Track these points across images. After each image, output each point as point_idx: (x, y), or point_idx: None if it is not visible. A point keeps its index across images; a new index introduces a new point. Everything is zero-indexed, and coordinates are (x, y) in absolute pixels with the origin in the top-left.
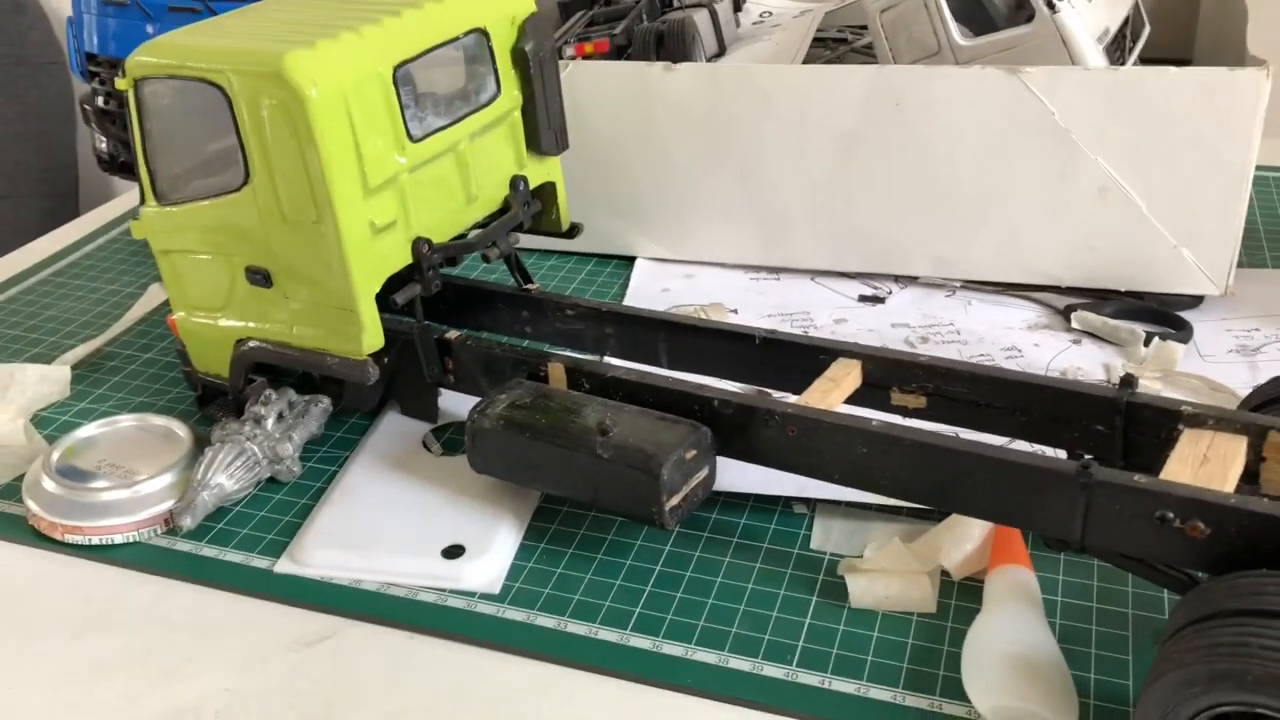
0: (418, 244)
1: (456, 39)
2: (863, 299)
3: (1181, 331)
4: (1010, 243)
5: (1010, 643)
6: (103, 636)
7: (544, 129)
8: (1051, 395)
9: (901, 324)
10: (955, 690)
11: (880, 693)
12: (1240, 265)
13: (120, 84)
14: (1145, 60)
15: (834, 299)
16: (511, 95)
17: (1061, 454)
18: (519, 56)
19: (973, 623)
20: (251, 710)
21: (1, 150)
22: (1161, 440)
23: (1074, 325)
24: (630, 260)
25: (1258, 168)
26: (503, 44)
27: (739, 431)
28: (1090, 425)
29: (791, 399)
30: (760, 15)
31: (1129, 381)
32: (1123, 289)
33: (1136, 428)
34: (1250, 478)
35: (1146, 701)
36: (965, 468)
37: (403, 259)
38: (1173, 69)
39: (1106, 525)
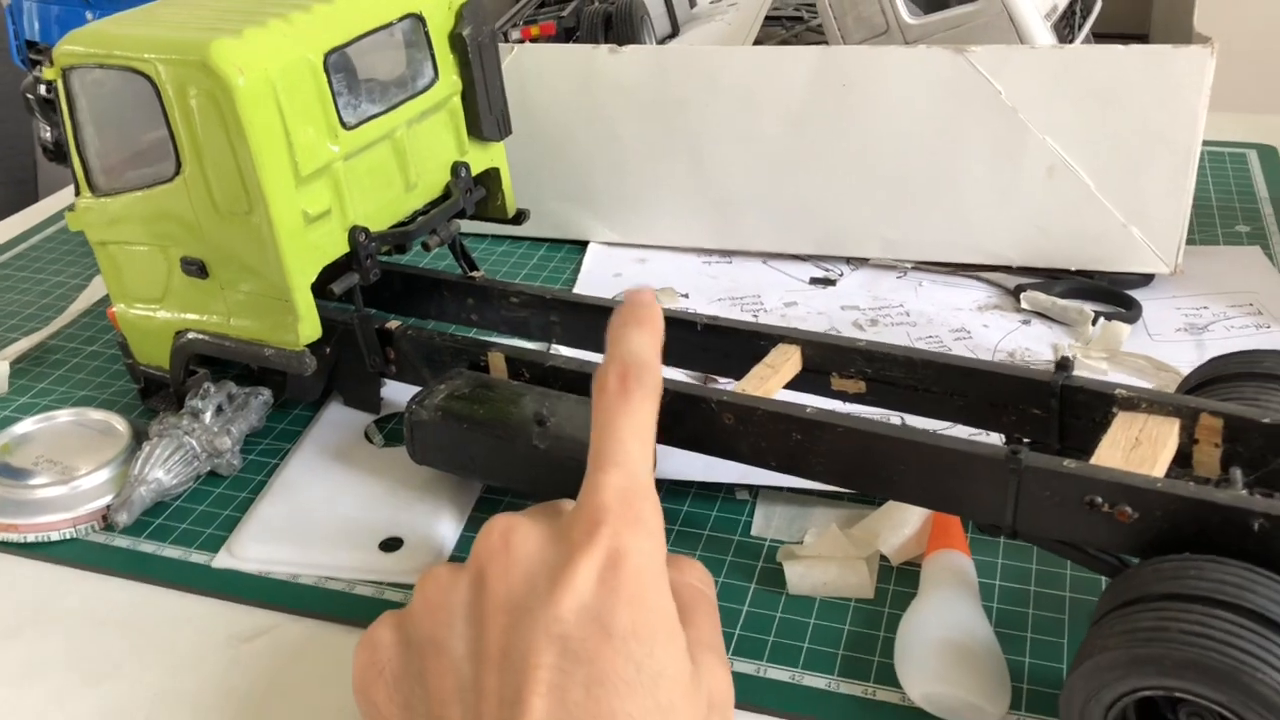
0: (354, 233)
1: (390, 24)
2: (814, 281)
3: (1130, 310)
4: (960, 223)
5: (943, 628)
6: (34, 638)
7: (485, 114)
8: (988, 379)
9: (851, 306)
10: (890, 677)
11: (814, 680)
12: (1191, 243)
13: (48, 73)
14: (1100, 37)
15: (785, 281)
16: (450, 81)
17: (999, 438)
18: (457, 42)
19: (907, 609)
20: (184, 709)
21: None
22: (1096, 423)
23: (1023, 305)
24: (583, 245)
25: (1208, 144)
26: (440, 29)
27: (678, 420)
28: (1027, 409)
29: (731, 385)
30: None
31: (1064, 365)
32: (1073, 268)
33: (1072, 411)
34: (1183, 460)
35: (1070, 686)
36: (896, 454)
37: (339, 248)
38: (1119, 46)
39: (1037, 510)
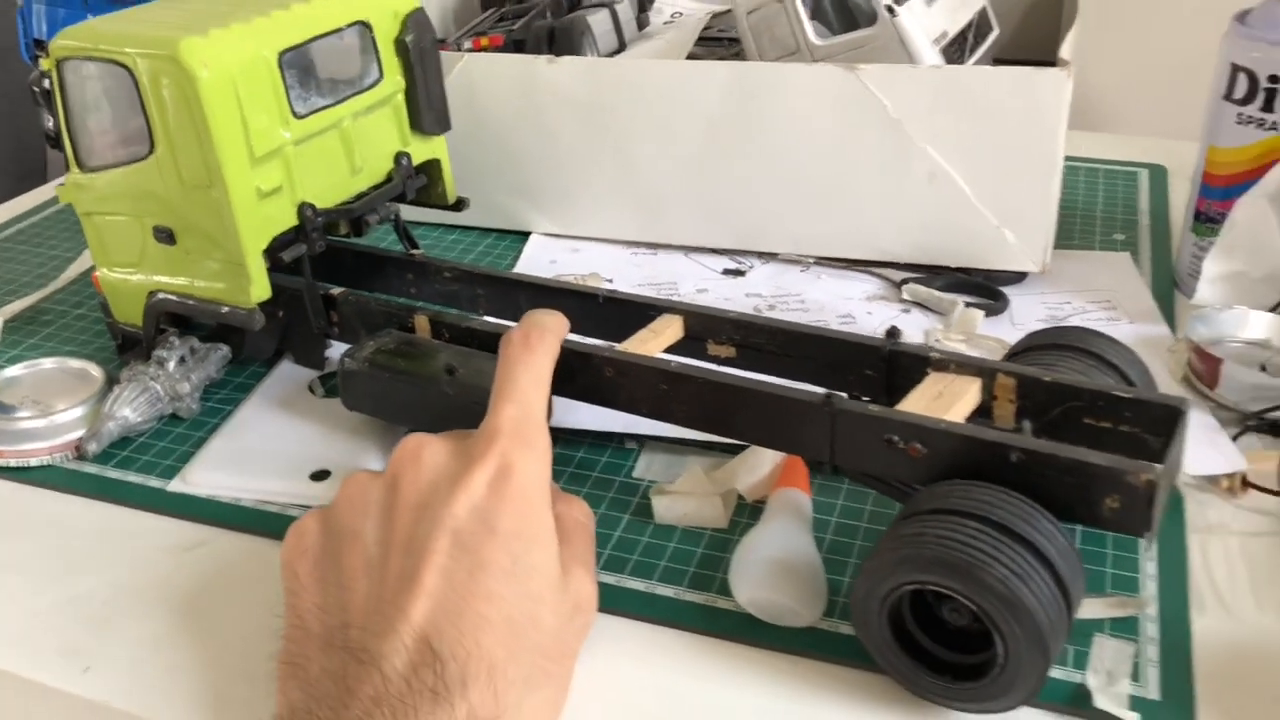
0: (303, 208)
1: (339, 30)
2: (726, 272)
3: (998, 302)
4: (854, 223)
5: (773, 548)
6: (11, 542)
7: (425, 111)
8: (832, 345)
9: (755, 294)
10: (729, 590)
11: (665, 590)
12: (1070, 247)
13: (44, 64)
14: (1003, 61)
15: (701, 271)
16: (394, 80)
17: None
18: (401, 46)
19: (747, 533)
20: (134, 599)
21: None
22: (914, 382)
23: (904, 296)
24: (525, 235)
25: (1103, 161)
26: (386, 35)
27: (570, 373)
28: (862, 370)
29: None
30: (671, 15)
31: (893, 334)
32: (953, 265)
33: (897, 372)
34: (986, 414)
35: (857, 585)
36: (740, 401)
37: (289, 221)
38: (989, 68)
39: (849, 447)
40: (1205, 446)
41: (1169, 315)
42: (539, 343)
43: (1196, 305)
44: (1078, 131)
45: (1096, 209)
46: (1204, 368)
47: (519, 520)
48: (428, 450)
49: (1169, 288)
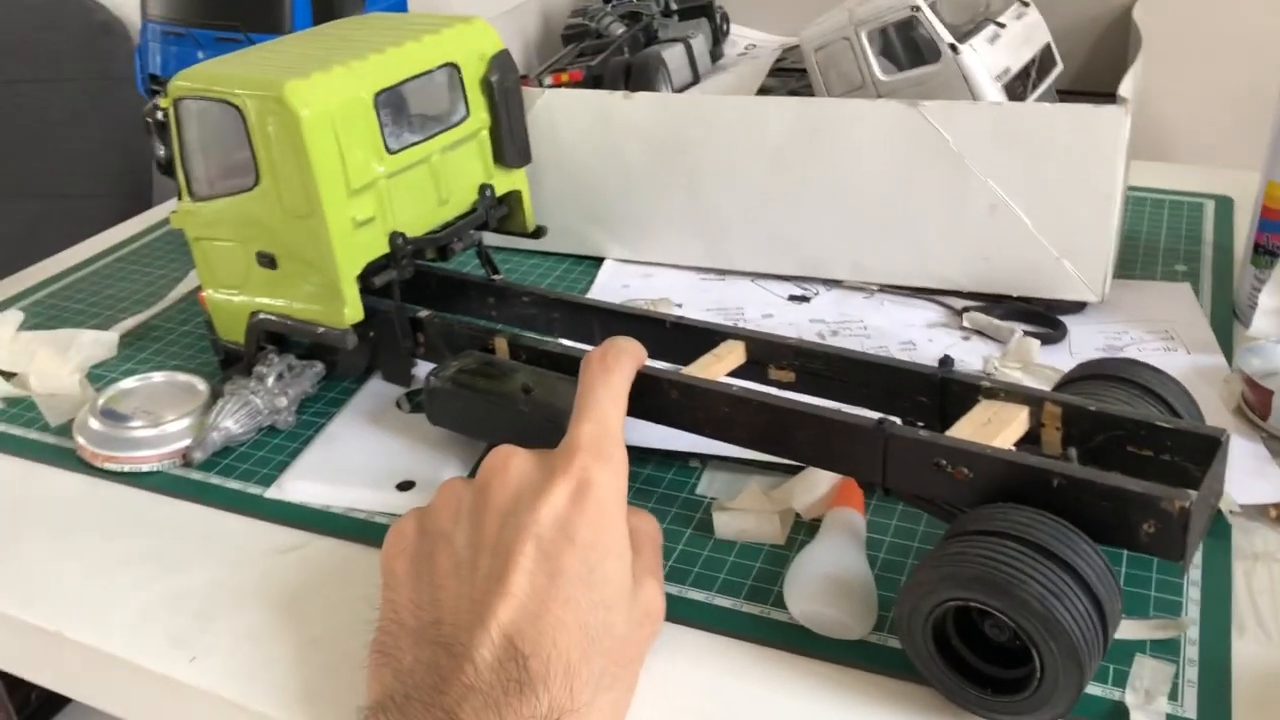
0: (393, 236)
1: (430, 71)
2: (791, 298)
3: (1057, 331)
4: (916, 252)
5: (827, 564)
6: (127, 540)
7: (508, 146)
8: (886, 372)
9: (819, 320)
10: (784, 603)
11: (723, 601)
12: (1130, 277)
13: (163, 102)
14: (1066, 93)
15: (767, 297)
16: (479, 117)
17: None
18: (486, 86)
19: (802, 549)
20: (234, 596)
21: (89, 156)
22: (965, 408)
23: (964, 324)
24: (599, 260)
25: (1169, 192)
26: (473, 75)
27: (637, 395)
28: (916, 397)
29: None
30: (745, 48)
31: (945, 362)
32: (1014, 294)
33: (949, 399)
34: (1034, 441)
35: (900, 601)
36: (797, 424)
37: (381, 248)
38: (1047, 105)
39: (900, 470)
40: (1254, 476)
41: (1227, 347)
42: (616, 364)
43: (1252, 337)
44: (1145, 161)
45: (1160, 239)
46: (1256, 399)
47: (596, 531)
48: (515, 461)
49: (1229, 319)
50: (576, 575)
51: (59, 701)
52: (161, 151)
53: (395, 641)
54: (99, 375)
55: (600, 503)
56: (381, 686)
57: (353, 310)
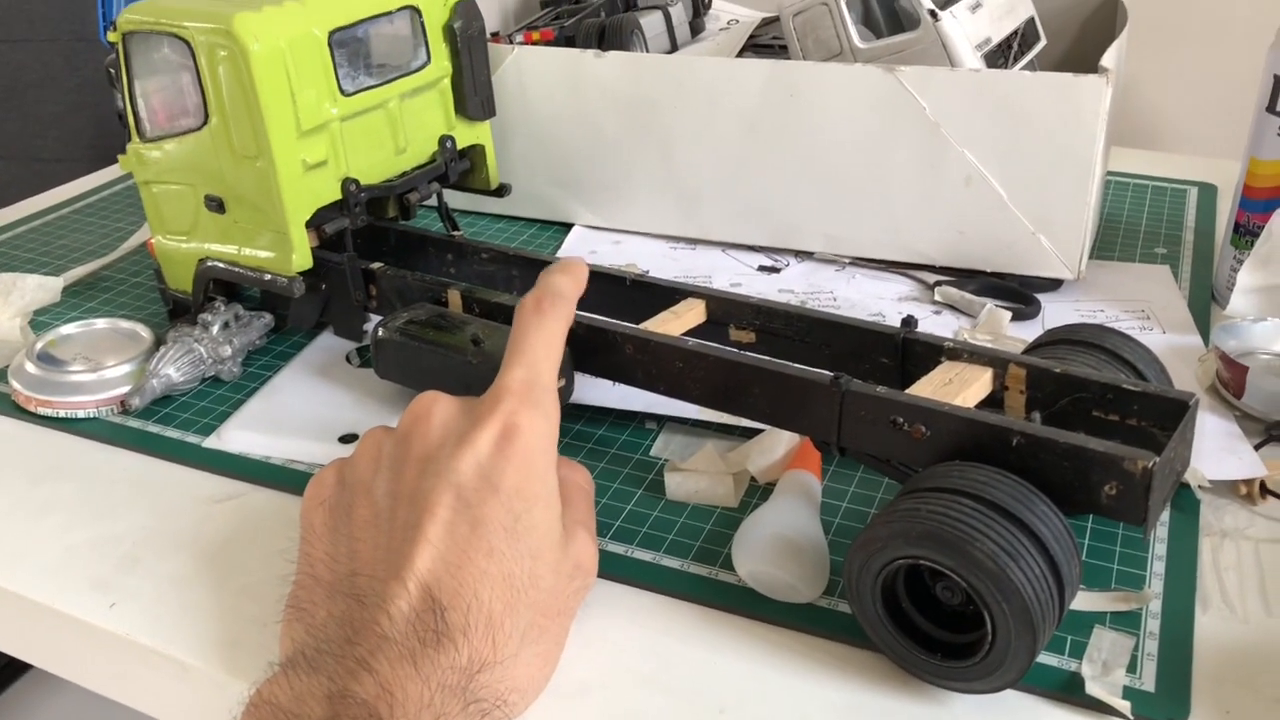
0: (346, 183)
1: (390, 13)
2: (761, 269)
3: (1030, 307)
4: (890, 224)
5: (777, 525)
6: (55, 484)
7: (470, 97)
8: (848, 332)
9: (788, 290)
10: (733, 564)
11: (670, 561)
12: (1109, 258)
13: (111, 36)
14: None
15: (737, 267)
16: (441, 65)
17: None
18: (449, 33)
19: (754, 510)
20: (162, 543)
21: (60, 119)
22: (928, 370)
23: (936, 298)
24: (569, 226)
25: (1154, 178)
26: (435, 21)
27: (591, 350)
28: (877, 357)
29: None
30: (727, 23)
31: (908, 323)
32: (988, 269)
33: (911, 360)
34: (997, 405)
35: (849, 559)
36: (752, 379)
37: (333, 194)
38: (1027, 74)
39: (855, 428)
40: (1226, 453)
41: (1204, 329)
42: (551, 308)
43: (1229, 316)
44: (1133, 149)
45: (1141, 224)
46: (1231, 376)
47: (522, 479)
48: (438, 407)
49: (1207, 303)
50: (500, 524)
51: (17, 667)
52: (120, 103)
53: (309, 595)
54: (43, 324)
55: (526, 449)
56: (293, 642)
57: (301, 257)
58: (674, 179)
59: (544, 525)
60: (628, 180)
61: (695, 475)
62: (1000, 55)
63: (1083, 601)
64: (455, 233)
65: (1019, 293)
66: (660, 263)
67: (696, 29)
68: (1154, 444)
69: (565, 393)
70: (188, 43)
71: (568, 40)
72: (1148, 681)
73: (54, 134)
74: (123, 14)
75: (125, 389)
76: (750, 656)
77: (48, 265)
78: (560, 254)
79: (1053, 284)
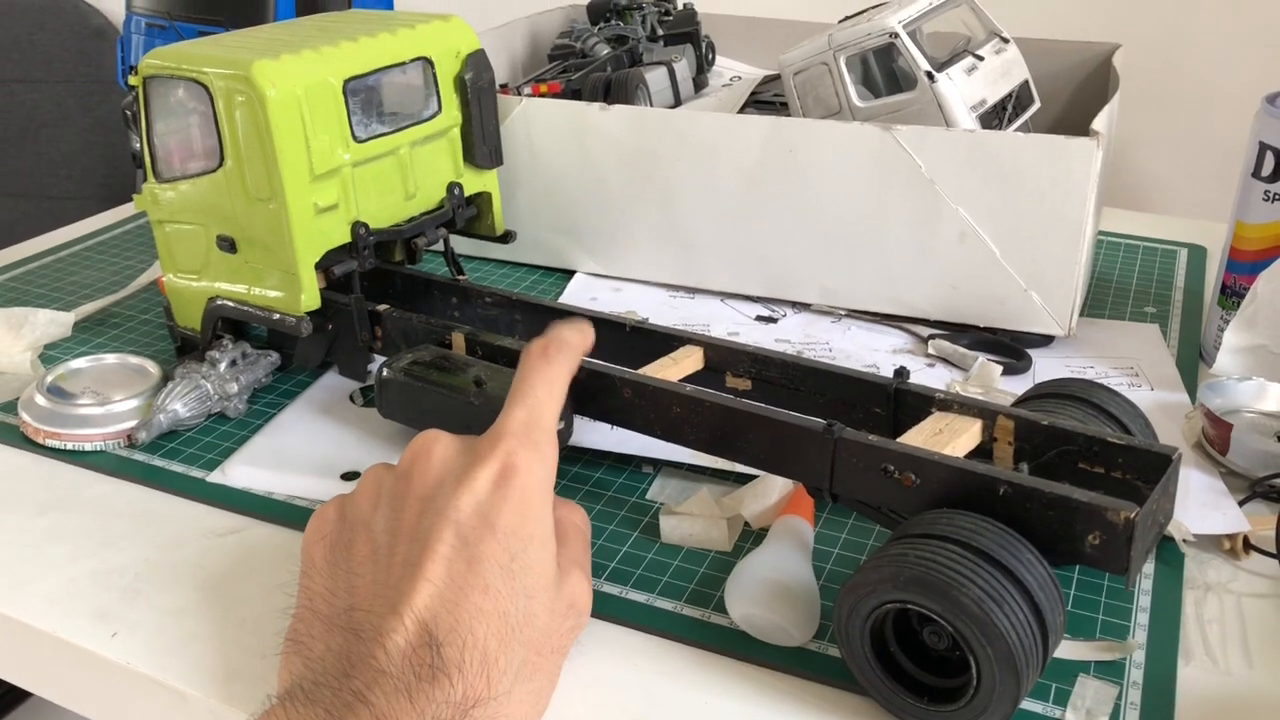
0: (355, 226)
1: (403, 64)
2: (759, 318)
3: (1021, 362)
4: (885, 278)
5: (769, 568)
6: (61, 515)
7: (479, 146)
8: (842, 382)
9: (784, 340)
10: (725, 607)
11: (663, 603)
12: (1100, 316)
13: (132, 80)
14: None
15: (734, 316)
16: (451, 115)
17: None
18: (460, 84)
19: (748, 554)
20: (164, 575)
21: (73, 158)
22: (919, 420)
23: (930, 351)
24: (571, 273)
25: (1145, 239)
26: (447, 72)
27: (590, 394)
28: (870, 407)
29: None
30: (730, 79)
31: (900, 374)
32: (981, 324)
33: (903, 410)
34: (986, 455)
35: (839, 603)
36: (746, 426)
37: (342, 237)
38: (1020, 134)
39: (848, 475)
40: (1210, 509)
41: (1192, 387)
42: (557, 354)
43: (1215, 374)
44: (1126, 210)
45: (1132, 283)
46: (1216, 433)
47: (518, 518)
48: (438, 446)
49: (1195, 361)
50: (497, 563)
51: (17, 694)
52: (136, 144)
53: (308, 629)
54: (53, 358)
55: (524, 489)
56: (291, 674)
57: (309, 297)
58: (675, 229)
59: (540, 564)
60: (629, 229)
61: (690, 519)
62: (995, 117)
63: (1067, 650)
64: (460, 277)
65: (1011, 348)
66: (659, 310)
67: (700, 84)
68: (1138, 496)
69: (564, 435)
70: (207, 88)
71: (574, 93)
72: None
73: (66, 172)
74: (145, 59)
75: (132, 423)
76: (741, 697)
77: (59, 301)
78: (562, 300)
79: (1044, 340)
